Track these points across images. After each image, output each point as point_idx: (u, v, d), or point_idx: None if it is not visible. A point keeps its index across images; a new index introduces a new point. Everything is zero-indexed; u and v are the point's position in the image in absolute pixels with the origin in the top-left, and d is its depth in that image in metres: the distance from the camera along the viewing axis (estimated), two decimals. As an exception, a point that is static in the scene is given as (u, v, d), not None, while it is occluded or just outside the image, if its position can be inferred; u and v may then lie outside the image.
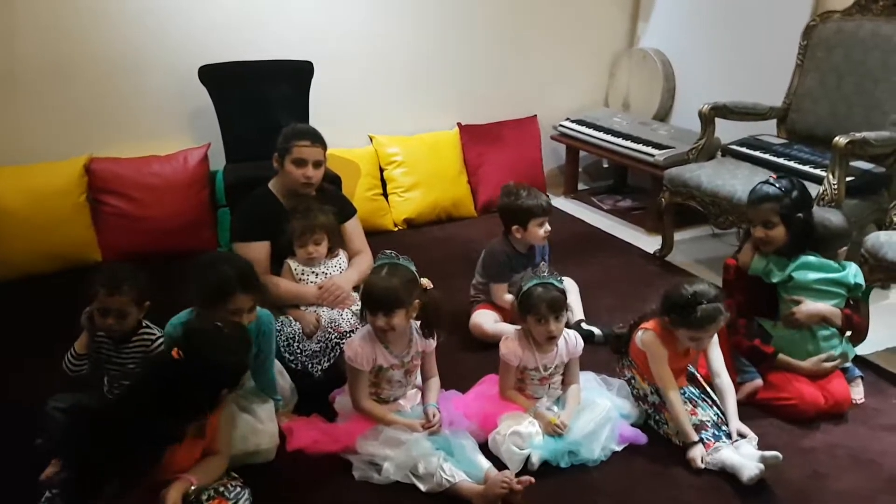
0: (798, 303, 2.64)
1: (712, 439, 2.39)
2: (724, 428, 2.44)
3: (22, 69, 3.58)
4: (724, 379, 2.53)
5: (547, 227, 3.09)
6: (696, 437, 2.38)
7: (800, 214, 2.65)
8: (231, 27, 3.92)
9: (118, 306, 2.22)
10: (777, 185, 2.68)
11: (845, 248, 2.74)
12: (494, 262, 3.11)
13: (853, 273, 2.68)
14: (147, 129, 3.91)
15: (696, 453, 2.35)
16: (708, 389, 2.58)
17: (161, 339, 2.34)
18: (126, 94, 3.82)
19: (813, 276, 2.65)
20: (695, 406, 2.49)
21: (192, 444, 2.02)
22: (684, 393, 2.53)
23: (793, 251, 2.66)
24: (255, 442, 2.27)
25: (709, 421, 2.44)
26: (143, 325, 2.33)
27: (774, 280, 2.68)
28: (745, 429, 2.44)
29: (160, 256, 3.54)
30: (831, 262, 2.67)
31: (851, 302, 2.72)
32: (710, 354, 2.56)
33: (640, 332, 2.56)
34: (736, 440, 2.39)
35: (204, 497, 2.03)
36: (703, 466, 2.33)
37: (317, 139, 2.92)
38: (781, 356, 2.64)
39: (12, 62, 3.56)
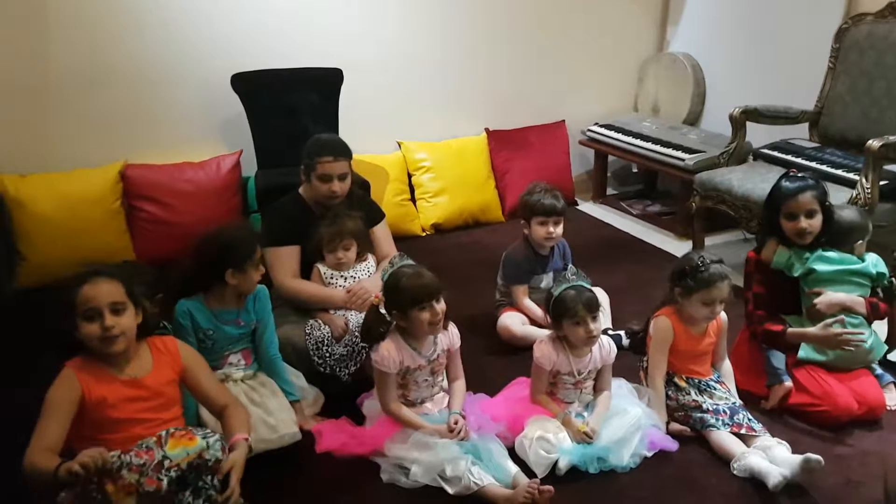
0: (817, 290, 2.65)
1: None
2: (740, 416, 2.45)
3: (58, 78, 3.68)
4: (726, 363, 2.67)
5: (551, 229, 3.08)
6: (665, 418, 2.50)
7: (828, 203, 2.68)
8: (263, 36, 3.99)
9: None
10: (806, 177, 2.72)
11: (862, 241, 2.74)
12: (511, 264, 3.14)
13: (873, 263, 2.69)
14: (181, 136, 3.99)
15: (675, 428, 2.48)
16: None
17: None
18: (160, 102, 3.90)
19: (833, 267, 2.65)
20: (712, 392, 2.54)
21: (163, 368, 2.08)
22: (699, 383, 2.57)
23: (812, 245, 2.68)
24: (259, 436, 2.25)
25: (724, 408, 2.48)
26: (161, 324, 2.39)
27: (796, 273, 2.68)
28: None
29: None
30: (850, 256, 2.69)
31: (880, 293, 2.72)
32: (718, 343, 2.65)
33: (652, 322, 2.60)
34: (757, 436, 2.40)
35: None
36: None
37: (340, 153, 2.92)
38: (791, 329, 2.62)
39: (49, 71, 3.65)
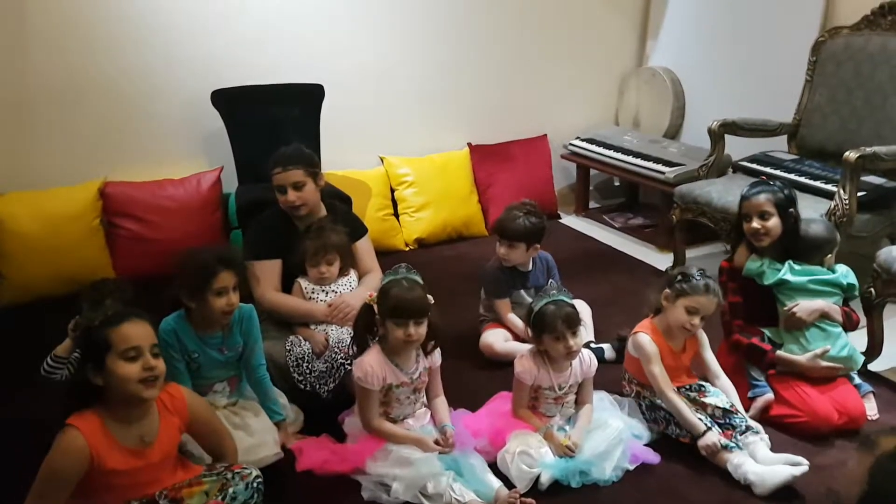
0: (793, 303, 2.68)
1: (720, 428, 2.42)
2: (736, 417, 2.45)
3: (36, 94, 3.65)
4: (724, 379, 2.61)
5: (504, 251, 3.05)
6: (703, 427, 2.40)
7: (791, 210, 2.71)
8: (244, 51, 3.98)
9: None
10: (770, 182, 2.77)
11: (831, 255, 2.79)
12: (490, 278, 3.13)
13: (843, 273, 2.73)
14: (161, 152, 3.97)
15: (711, 439, 2.37)
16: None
17: None
18: (140, 119, 3.89)
19: (805, 277, 2.69)
20: (703, 393, 2.54)
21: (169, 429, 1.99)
22: (689, 388, 2.56)
23: (783, 250, 2.71)
24: (244, 457, 2.23)
25: (719, 407, 2.47)
26: None
27: (768, 282, 2.70)
28: (754, 423, 2.47)
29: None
30: (820, 268, 2.73)
31: (850, 305, 2.76)
32: (705, 358, 2.64)
33: (630, 339, 2.60)
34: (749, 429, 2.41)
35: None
36: (720, 445, 2.35)
37: (290, 161, 2.87)
38: (779, 353, 2.65)
39: (26, 87, 3.63)
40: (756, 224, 2.70)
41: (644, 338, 2.55)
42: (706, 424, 2.41)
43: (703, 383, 2.60)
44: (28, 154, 3.70)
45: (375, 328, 2.42)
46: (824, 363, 2.62)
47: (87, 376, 1.83)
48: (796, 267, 2.70)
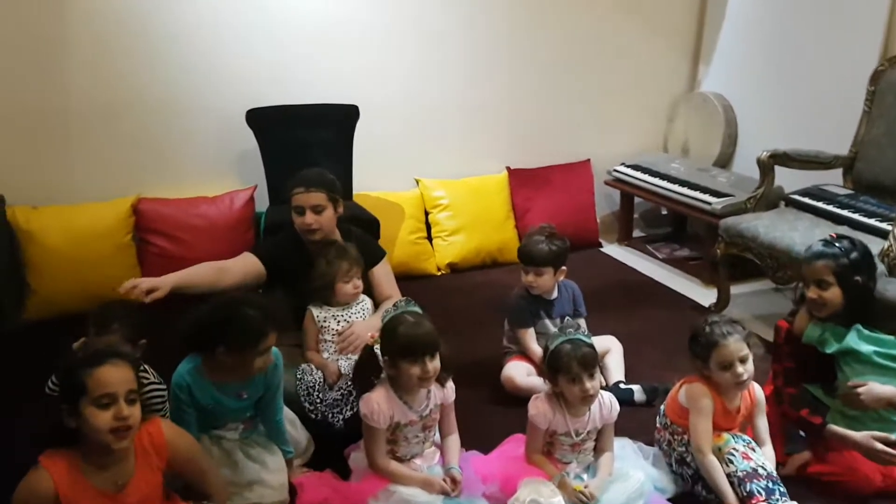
0: (859, 382, 2.39)
1: (763, 492, 2.19)
2: (779, 484, 2.24)
3: (72, 109, 3.68)
4: (769, 449, 2.38)
5: (532, 278, 2.94)
6: (735, 500, 2.21)
7: (858, 278, 2.41)
8: (281, 72, 3.96)
9: (107, 344, 2.18)
10: (836, 244, 2.46)
11: None
12: (514, 307, 3.02)
13: None
14: (195, 170, 3.97)
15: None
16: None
17: (152, 385, 2.32)
18: (175, 136, 3.89)
19: (871, 348, 2.40)
20: (750, 451, 2.31)
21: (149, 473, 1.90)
22: (739, 439, 2.35)
23: (849, 318, 2.43)
24: (260, 493, 2.19)
25: (763, 471, 2.25)
26: (142, 368, 2.30)
27: (829, 351, 2.44)
28: None
29: (205, 297, 3.54)
30: (891, 338, 2.43)
31: None
32: (757, 423, 2.41)
33: (682, 388, 2.40)
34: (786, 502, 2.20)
35: None
36: None
37: (312, 184, 2.83)
38: (831, 426, 2.40)
39: (63, 102, 3.66)
40: (812, 294, 2.44)
41: (701, 389, 2.34)
42: (750, 488, 2.21)
43: (752, 442, 2.38)
44: (62, 169, 3.73)
45: (378, 371, 2.31)
46: (880, 446, 2.33)
47: (62, 418, 1.75)
48: (865, 332, 2.42)
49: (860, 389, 2.35)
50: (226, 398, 2.23)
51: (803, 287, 2.50)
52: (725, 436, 2.35)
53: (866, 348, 2.40)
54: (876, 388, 2.35)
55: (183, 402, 2.19)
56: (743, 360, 2.29)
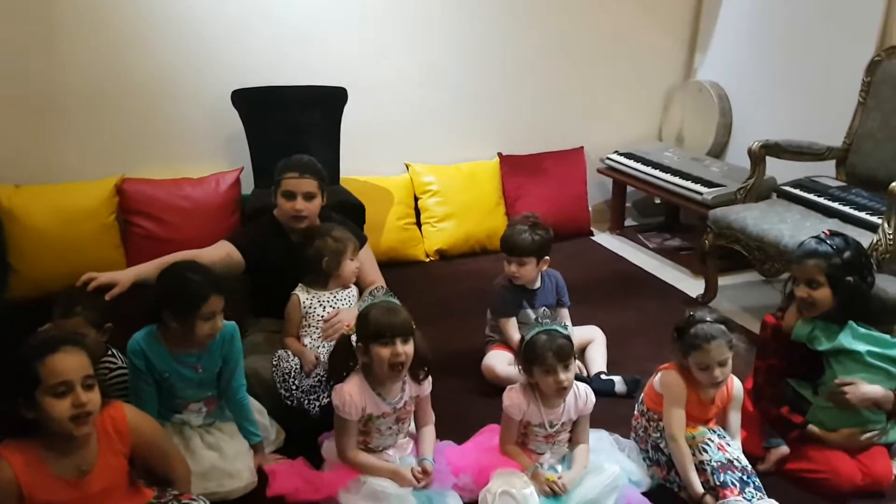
0: (847, 380, 2.34)
1: (738, 484, 2.18)
2: (754, 477, 2.23)
3: (59, 88, 3.64)
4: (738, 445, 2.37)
5: (515, 269, 2.89)
6: (701, 491, 2.20)
7: (850, 278, 2.32)
8: (269, 53, 3.91)
9: (71, 328, 2.19)
10: (828, 242, 2.37)
11: None
12: (496, 296, 2.98)
13: None
14: (181, 151, 3.93)
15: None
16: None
17: (119, 370, 2.31)
18: (162, 116, 3.85)
19: (864, 347, 2.34)
20: (725, 444, 2.29)
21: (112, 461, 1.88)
22: (714, 432, 2.33)
23: (840, 318, 2.36)
24: (218, 481, 2.17)
25: (738, 464, 2.24)
26: (109, 352, 2.28)
27: (820, 348, 2.38)
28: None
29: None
30: (886, 337, 2.36)
31: None
32: (729, 418, 2.39)
33: (658, 374, 2.38)
34: (762, 497, 2.18)
35: None
36: None
37: (307, 170, 2.81)
38: (811, 427, 2.38)
39: (50, 82, 3.62)
40: (802, 293, 2.37)
41: (675, 377, 2.32)
42: (721, 480, 2.19)
43: (725, 433, 2.37)
44: (47, 148, 3.69)
45: (354, 360, 2.29)
46: (863, 437, 2.35)
47: (19, 410, 1.71)
48: (860, 330, 2.36)
49: (847, 388, 2.31)
50: (183, 368, 2.24)
51: (793, 284, 2.44)
52: (701, 427, 2.33)
53: (860, 347, 2.34)
54: (863, 387, 2.31)
55: (140, 372, 2.19)
56: (722, 364, 2.26)
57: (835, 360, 2.38)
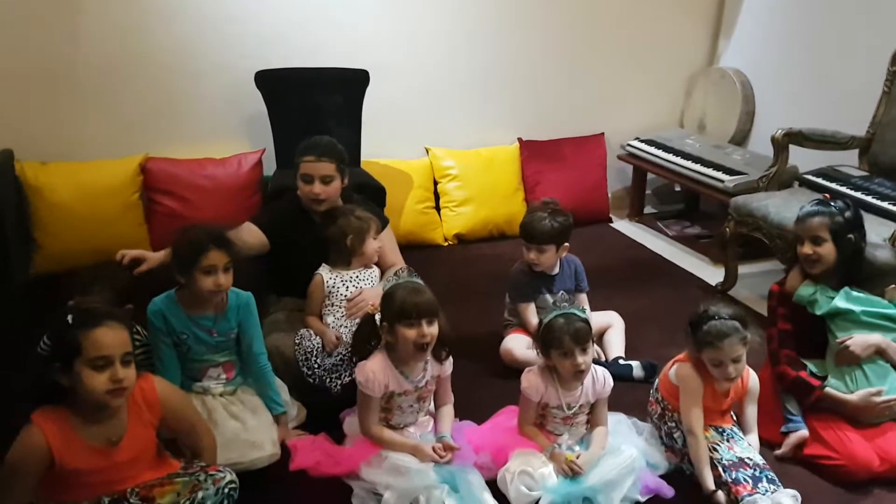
0: (845, 336, 2.44)
1: (751, 481, 2.19)
2: (767, 472, 2.23)
3: (85, 68, 3.68)
4: (754, 437, 2.40)
5: (534, 255, 2.90)
6: (713, 487, 2.21)
7: (851, 236, 2.48)
8: (292, 34, 3.93)
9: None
10: (831, 203, 2.56)
11: (894, 286, 2.52)
12: (515, 281, 2.99)
13: None
14: (205, 131, 3.96)
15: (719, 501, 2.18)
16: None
17: (143, 346, 2.33)
18: (186, 96, 3.88)
19: (859, 307, 2.45)
20: (734, 444, 2.31)
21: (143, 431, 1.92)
22: (723, 431, 2.35)
23: (840, 277, 2.49)
24: (240, 451, 2.20)
25: (750, 461, 2.25)
26: (134, 328, 2.32)
27: (819, 312, 2.48)
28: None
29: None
30: (878, 298, 2.48)
31: None
32: (746, 411, 2.42)
33: (674, 366, 2.39)
34: (776, 489, 2.18)
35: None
36: None
37: (324, 153, 2.80)
38: (829, 389, 2.42)
39: (76, 60, 3.66)
40: (807, 249, 2.50)
41: (690, 371, 2.33)
42: (733, 476, 2.21)
43: (737, 431, 2.38)
44: (72, 125, 3.73)
45: (377, 339, 2.32)
46: (880, 399, 2.37)
47: (55, 376, 1.76)
48: (854, 294, 2.48)
49: (848, 342, 2.41)
50: (199, 330, 2.30)
51: (798, 246, 2.54)
52: (711, 431, 2.35)
53: (855, 307, 2.46)
54: (861, 337, 2.42)
55: (160, 331, 2.26)
56: (736, 361, 2.27)
57: (833, 325, 2.49)
